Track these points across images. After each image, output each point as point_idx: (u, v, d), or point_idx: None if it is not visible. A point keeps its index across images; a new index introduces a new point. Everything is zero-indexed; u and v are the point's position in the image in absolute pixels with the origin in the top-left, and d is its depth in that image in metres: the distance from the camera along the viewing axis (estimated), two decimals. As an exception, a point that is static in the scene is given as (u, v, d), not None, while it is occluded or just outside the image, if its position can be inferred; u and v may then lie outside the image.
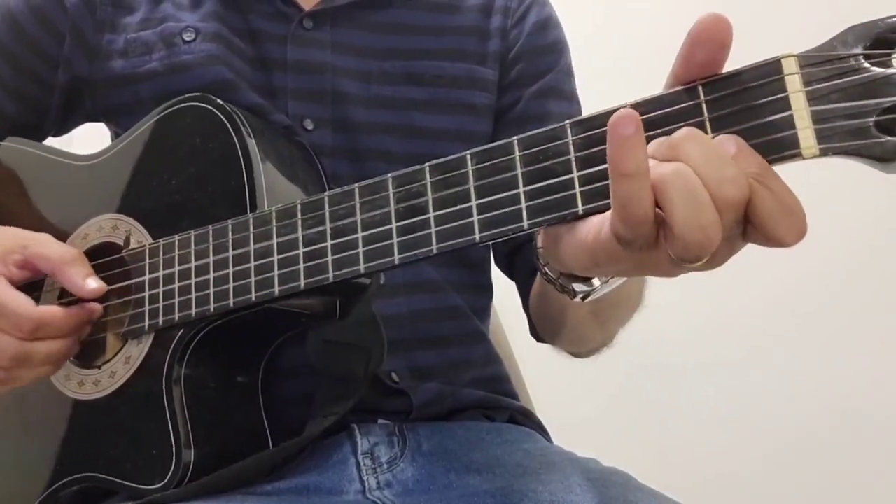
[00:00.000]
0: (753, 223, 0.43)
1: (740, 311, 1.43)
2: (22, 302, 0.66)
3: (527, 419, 0.85)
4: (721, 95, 0.45)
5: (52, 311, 0.67)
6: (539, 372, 0.90)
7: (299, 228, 0.61)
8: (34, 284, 0.72)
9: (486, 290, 0.89)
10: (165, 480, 0.64)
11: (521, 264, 0.87)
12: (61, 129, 0.89)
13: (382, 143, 0.81)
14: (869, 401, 1.36)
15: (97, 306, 0.70)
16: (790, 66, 0.43)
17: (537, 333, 0.87)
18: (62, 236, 0.75)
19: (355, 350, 0.68)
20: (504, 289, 0.91)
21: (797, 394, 1.42)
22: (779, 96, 0.43)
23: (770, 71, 0.44)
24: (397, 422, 0.75)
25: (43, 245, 0.70)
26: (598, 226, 0.47)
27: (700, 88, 0.46)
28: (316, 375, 0.70)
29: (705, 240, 0.42)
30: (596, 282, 0.57)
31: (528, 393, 1.02)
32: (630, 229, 0.44)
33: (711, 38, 0.44)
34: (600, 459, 0.77)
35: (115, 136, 0.86)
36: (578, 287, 0.58)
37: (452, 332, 0.81)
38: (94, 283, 0.69)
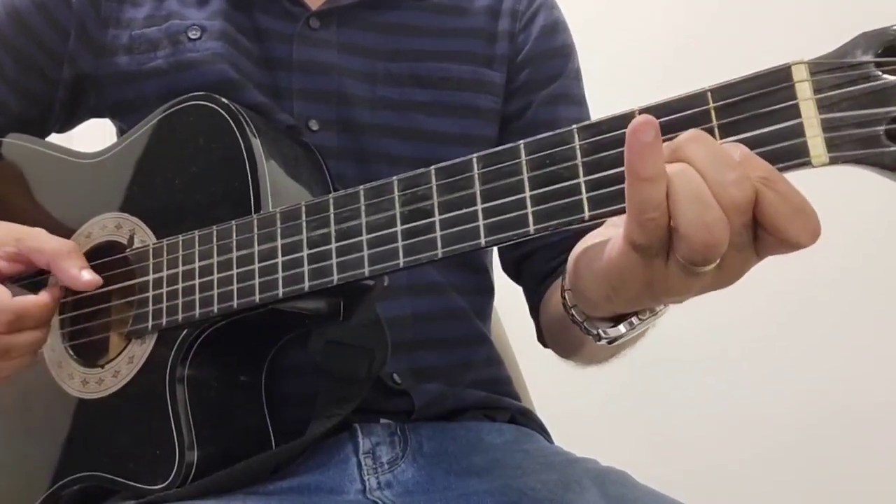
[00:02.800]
0: (764, 227, 0.43)
1: (740, 307, 1.43)
2: (0, 295, 0.66)
3: (527, 419, 0.85)
4: (730, 102, 0.45)
5: (30, 300, 0.67)
6: (538, 368, 0.90)
7: (304, 230, 0.61)
8: (36, 284, 0.72)
9: (489, 292, 0.89)
10: (168, 481, 0.64)
11: (529, 272, 0.86)
12: (65, 124, 0.88)
13: (387, 145, 0.80)
14: (866, 396, 1.36)
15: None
16: (800, 73, 0.43)
17: (544, 340, 0.86)
18: (65, 234, 0.74)
19: (358, 351, 0.67)
20: (505, 288, 0.91)
21: (797, 390, 1.42)
22: (789, 104, 0.43)
23: (780, 78, 0.44)
24: (399, 422, 0.75)
25: (37, 238, 0.70)
26: (609, 247, 0.48)
27: (709, 94, 0.45)
28: (318, 375, 0.69)
29: (711, 239, 0.42)
30: (622, 328, 0.56)
31: (528, 391, 1.02)
32: (646, 234, 0.44)
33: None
34: (599, 456, 0.77)
35: (121, 132, 0.85)
36: (604, 331, 0.57)
37: (455, 334, 0.81)
38: (87, 276, 0.69)
